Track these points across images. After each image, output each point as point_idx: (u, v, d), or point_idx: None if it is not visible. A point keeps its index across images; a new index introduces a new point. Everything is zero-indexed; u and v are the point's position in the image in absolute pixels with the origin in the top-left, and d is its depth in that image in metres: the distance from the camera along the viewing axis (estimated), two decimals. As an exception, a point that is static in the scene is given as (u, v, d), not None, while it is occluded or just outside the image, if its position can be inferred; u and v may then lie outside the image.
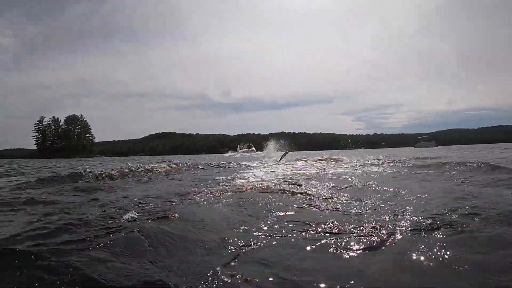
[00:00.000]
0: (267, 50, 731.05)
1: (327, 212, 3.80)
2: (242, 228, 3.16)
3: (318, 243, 2.66)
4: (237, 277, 2.10)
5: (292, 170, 10.44)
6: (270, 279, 2.09)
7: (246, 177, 7.89)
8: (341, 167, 11.26)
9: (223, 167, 13.04)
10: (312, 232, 2.96)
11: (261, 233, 2.97)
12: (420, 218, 3.21)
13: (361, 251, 2.50)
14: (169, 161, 14.27)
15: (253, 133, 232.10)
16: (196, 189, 5.78)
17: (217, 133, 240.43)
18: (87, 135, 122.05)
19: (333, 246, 2.58)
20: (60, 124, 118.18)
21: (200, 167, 12.07)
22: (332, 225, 3.11)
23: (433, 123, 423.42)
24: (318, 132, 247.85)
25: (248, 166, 13.47)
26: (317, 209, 3.94)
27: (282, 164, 13.95)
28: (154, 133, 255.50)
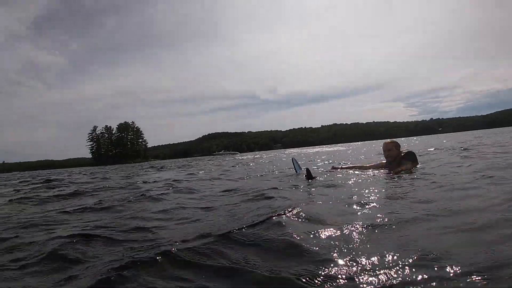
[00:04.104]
0: (308, 44, 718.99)
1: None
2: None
3: None
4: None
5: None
6: None
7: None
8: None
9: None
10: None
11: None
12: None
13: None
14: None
15: (305, 127, 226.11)
16: None
17: (268, 130, 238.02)
18: (140, 140, 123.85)
19: None
20: (113, 132, 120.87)
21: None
22: None
23: (490, 103, 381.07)
24: (372, 121, 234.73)
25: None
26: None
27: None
28: (207, 134, 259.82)
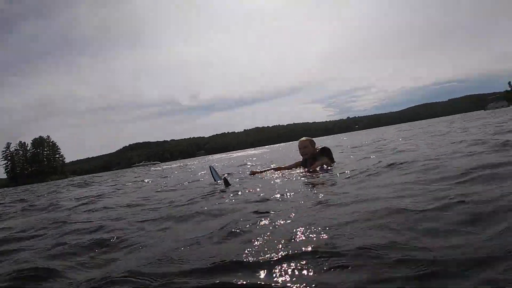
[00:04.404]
0: (228, 49, 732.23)
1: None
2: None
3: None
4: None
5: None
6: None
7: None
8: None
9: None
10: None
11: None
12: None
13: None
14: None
15: (228, 132, 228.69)
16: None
17: (191, 137, 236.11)
18: (57, 156, 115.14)
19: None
20: (28, 148, 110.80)
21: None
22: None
23: (402, 100, 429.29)
24: (292, 123, 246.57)
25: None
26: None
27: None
28: (127, 144, 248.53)
